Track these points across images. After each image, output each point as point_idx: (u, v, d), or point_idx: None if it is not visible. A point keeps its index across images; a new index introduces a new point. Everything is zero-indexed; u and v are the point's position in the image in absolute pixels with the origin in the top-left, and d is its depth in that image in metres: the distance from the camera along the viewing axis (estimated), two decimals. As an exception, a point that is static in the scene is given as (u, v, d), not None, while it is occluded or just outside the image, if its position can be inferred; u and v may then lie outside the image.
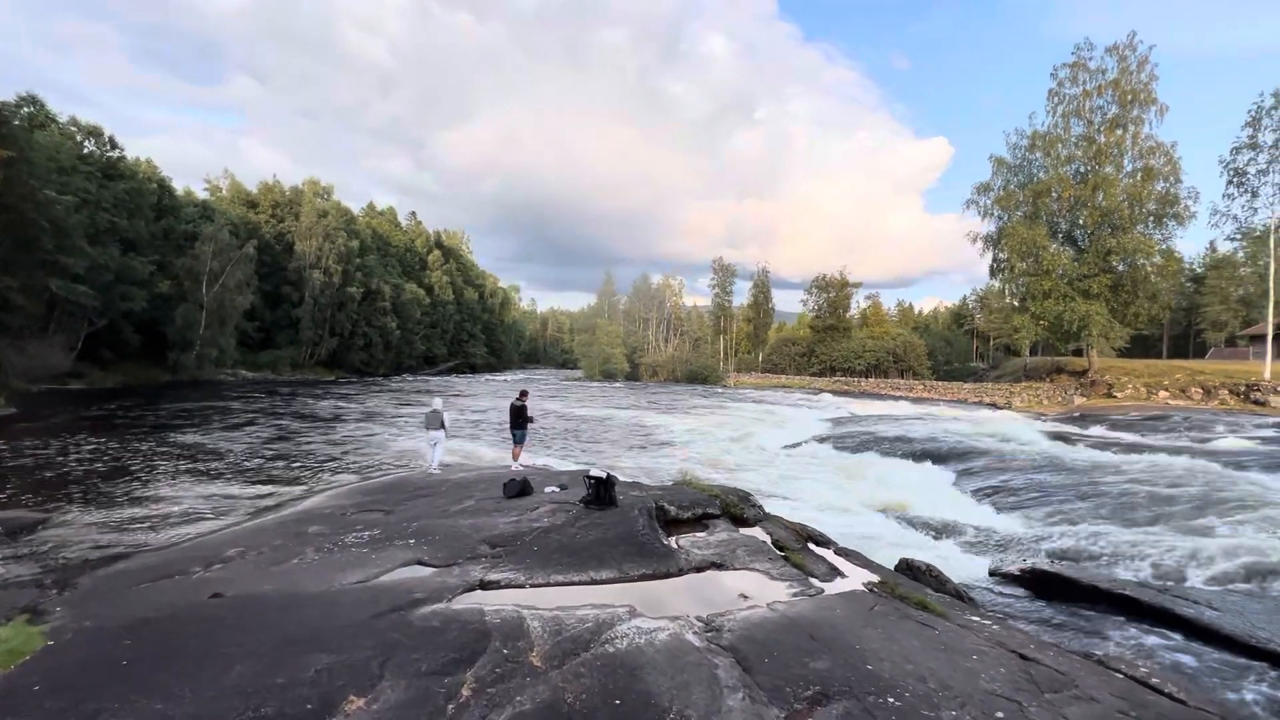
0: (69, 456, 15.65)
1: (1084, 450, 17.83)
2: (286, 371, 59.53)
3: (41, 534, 9.90)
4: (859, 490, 14.67)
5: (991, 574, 7.75)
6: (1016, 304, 66.02)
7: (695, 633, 4.91)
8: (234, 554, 7.85)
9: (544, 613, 5.13)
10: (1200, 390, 33.63)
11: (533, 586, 5.93)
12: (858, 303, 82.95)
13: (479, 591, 5.81)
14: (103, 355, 43.00)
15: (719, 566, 6.60)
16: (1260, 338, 56.91)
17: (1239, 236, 71.20)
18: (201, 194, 65.14)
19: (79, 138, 45.42)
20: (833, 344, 71.50)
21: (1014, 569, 7.57)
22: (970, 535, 10.28)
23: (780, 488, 14.90)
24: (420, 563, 6.45)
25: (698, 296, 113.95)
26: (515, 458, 13.81)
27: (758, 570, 6.53)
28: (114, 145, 47.41)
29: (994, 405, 43.79)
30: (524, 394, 13.96)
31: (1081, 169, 41.27)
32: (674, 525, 8.14)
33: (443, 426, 12.84)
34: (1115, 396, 37.04)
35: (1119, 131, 39.18)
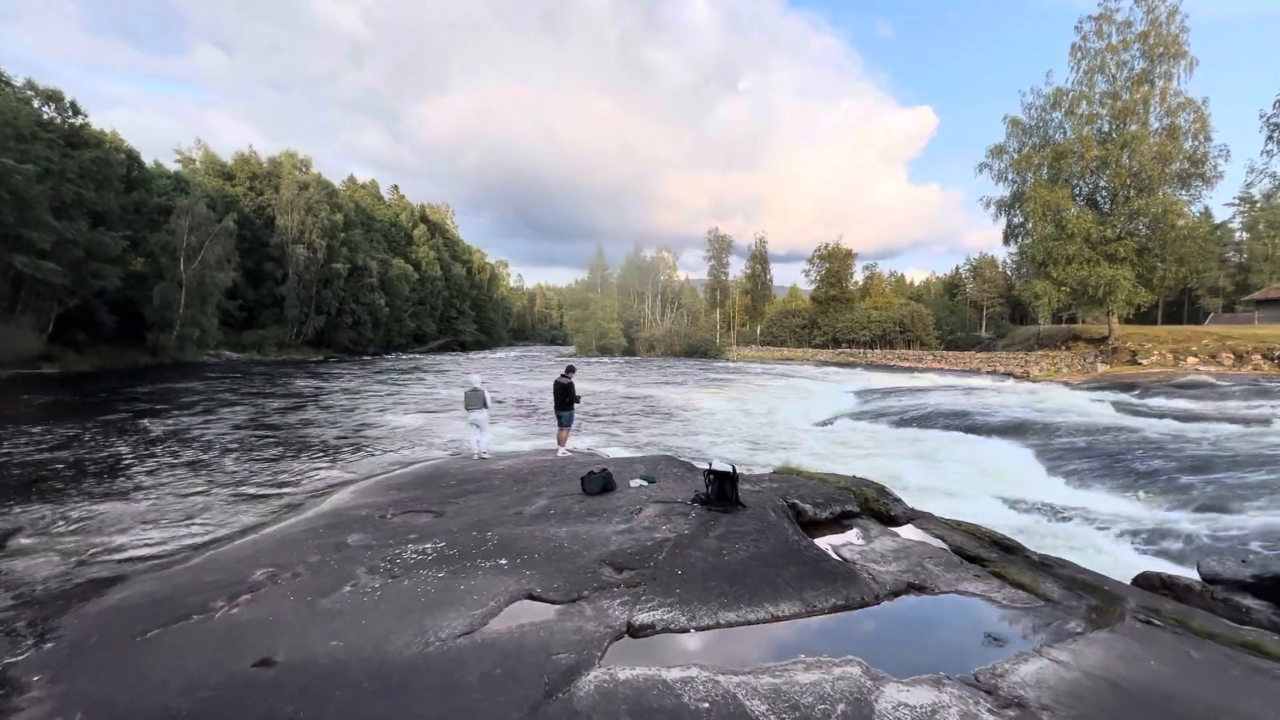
0: (41, 449, 13.69)
1: (1165, 423, 16.55)
2: (273, 352, 56.91)
3: (10, 548, 8.08)
4: (939, 470, 13.22)
5: (1209, 581, 6.29)
6: (1020, 271, 65.12)
7: (991, 711, 3.34)
8: (262, 577, 6.15)
9: (753, 683, 3.52)
10: (1231, 355, 32.72)
11: (699, 631, 4.31)
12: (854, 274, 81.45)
13: (628, 640, 4.18)
14: (76, 337, 40.29)
15: (919, 589, 5.03)
16: (1267, 302, 56.58)
17: (1237, 200, 70.97)
18: (173, 166, 61.40)
19: (36, 103, 41.86)
20: (836, 315, 70.04)
21: (1244, 575, 6.10)
22: (1114, 525, 8.84)
23: (849, 468, 13.41)
24: (531, 596, 4.78)
25: (686, 271, 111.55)
26: (562, 442, 12.19)
27: (973, 593, 4.97)
28: (76, 111, 43.78)
29: (1010, 375, 42.83)
30: (570, 370, 12.26)
31: (1104, 128, 39.66)
32: (811, 527, 6.57)
33: (485, 406, 11.12)
34: (1141, 364, 36.08)
35: (1145, 87, 37.49)
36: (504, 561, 5.57)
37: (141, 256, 45.47)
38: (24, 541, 8.41)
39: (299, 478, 12.09)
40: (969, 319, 75.68)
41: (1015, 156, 44.30)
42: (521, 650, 3.88)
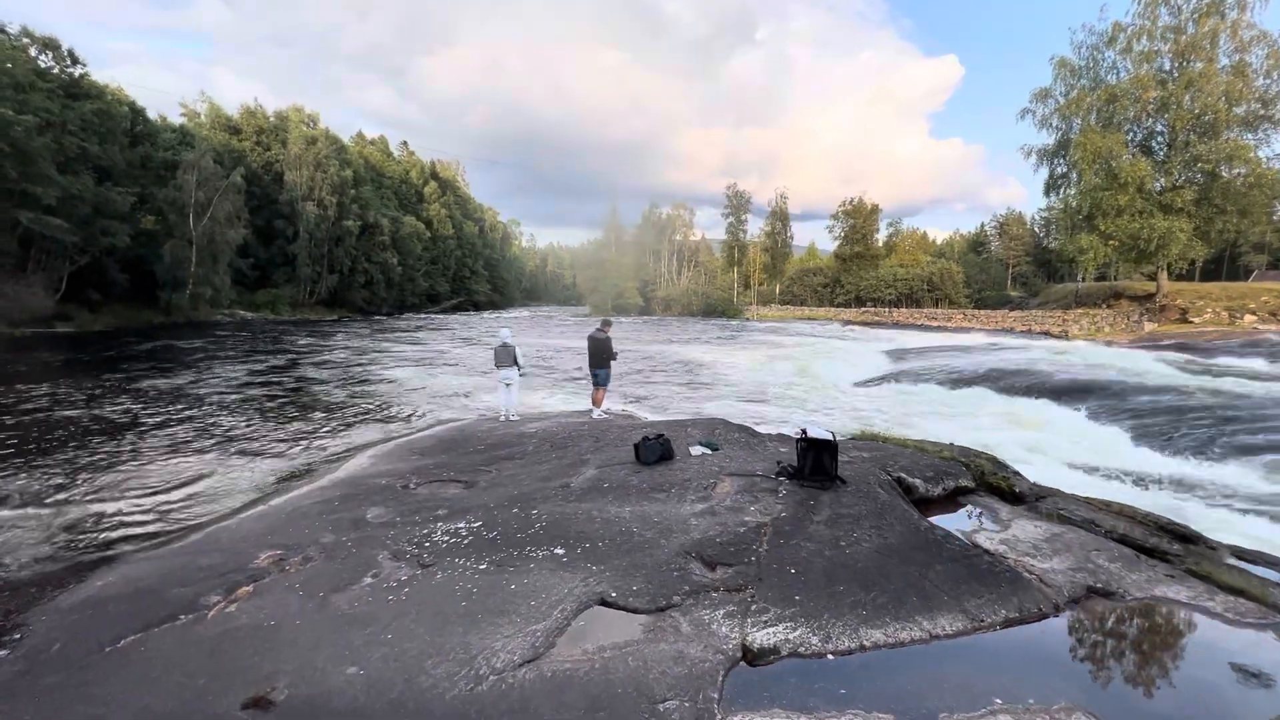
0: (45, 410, 12.87)
1: (1246, 384, 15.08)
2: (286, 311, 56.17)
3: (-5, 521, 7.20)
4: (1008, 435, 11.96)
5: None
6: (1053, 227, 62.02)
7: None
8: (266, 561, 5.16)
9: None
10: (1295, 313, 30.69)
11: (838, 656, 3.19)
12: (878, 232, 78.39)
13: (746, 669, 3.08)
14: (90, 297, 39.66)
15: (1105, 594, 3.87)
16: (1322, 259, 53.51)
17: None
18: (177, 120, 59.58)
19: (33, 51, 40.17)
20: (859, 273, 67.73)
21: None
22: (1257, 504, 7.60)
23: (914, 432, 12.21)
24: (605, 602, 3.69)
25: (701, 229, 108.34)
26: (597, 403, 11.09)
27: (1178, 601, 3.81)
28: (74, 60, 42.02)
29: (1047, 334, 41.03)
30: (606, 324, 11.05)
31: (1165, 66, 36.62)
32: (922, 507, 5.40)
33: (516, 363, 10.01)
34: (1192, 322, 34.12)
35: (1214, 20, 34.28)
36: (560, 551, 4.47)
37: (150, 213, 44.38)
38: (10, 512, 7.53)
39: (312, 440, 11.14)
40: (1001, 277, 72.94)
41: (1062, 100, 41.32)
42: (611, 693, 2.78)
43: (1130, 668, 3.25)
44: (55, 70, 40.69)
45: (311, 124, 67.19)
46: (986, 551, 4.32)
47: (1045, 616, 3.63)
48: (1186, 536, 4.76)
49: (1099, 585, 3.94)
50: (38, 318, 34.35)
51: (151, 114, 52.22)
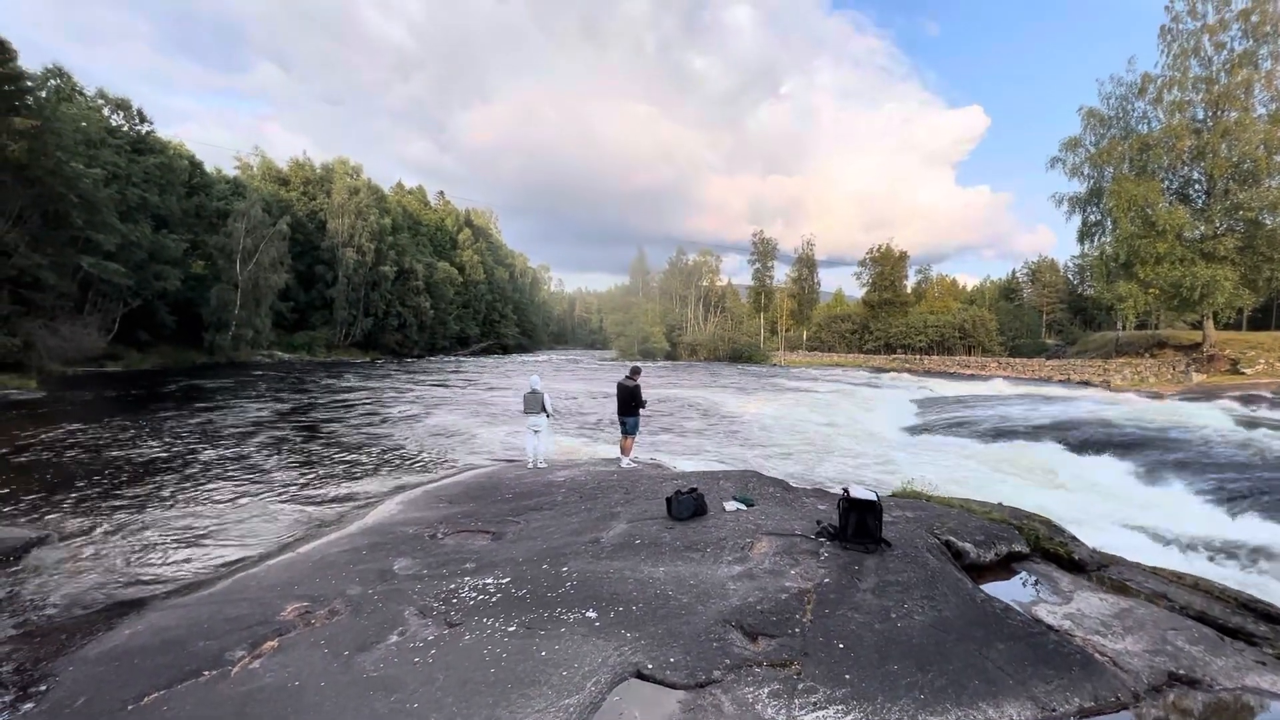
0: (85, 450, 13.22)
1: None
2: (322, 353, 57.79)
3: (31, 560, 7.28)
4: (1054, 494, 11.39)
5: None
6: (1088, 274, 60.81)
7: None
8: (292, 615, 5.08)
9: None
10: (1357, 365, 29.15)
11: (897, 747, 2.93)
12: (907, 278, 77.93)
13: (794, 759, 2.83)
14: (139, 337, 41.46)
15: (1189, 682, 3.52)
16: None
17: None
18: (231, 172, 63.28)
19: (106, 110, 43.51)
20: (889, 319, 67.00)
21: None
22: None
23: (957, 489, 11.70)
24: (641, 675, 3.48)
25: (726, 275, 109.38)
26: (626, 451, 10.93)
27: (1275, 694, 3.43)
28: (143, 119, 45.35)
29: (1088, 384, 39.69)
30: (636, 371, 10.97)
31: (1198, 115, 36.34)
32: (973, 573, 5.07)
33: (544, 410, 9.96)
34: (1243, 373, 32.65)
35: (1247, 70, 34.10)
36: (592, 614, 4.28)
37: (200, 258, 46.70)
38: (46, 552, 7.62)
39: (341, 484, 11.16)
40: (1033, 324, 71.38)
41: (1092, 150, 41.16)
42: (651, 784, 2.57)
43: (1229, 773, 2.90)
44: (125, 128, 43.88)
45: (355, 175, 70.55)
46: (1051, 628, 3.99)
47: (1124, 707, 3.29)
48: (1273, 616, 4.35)
49: (1181, 672, 3.59)
50: (90, 357, 35.90)
51: (208, 167, 55.66)
